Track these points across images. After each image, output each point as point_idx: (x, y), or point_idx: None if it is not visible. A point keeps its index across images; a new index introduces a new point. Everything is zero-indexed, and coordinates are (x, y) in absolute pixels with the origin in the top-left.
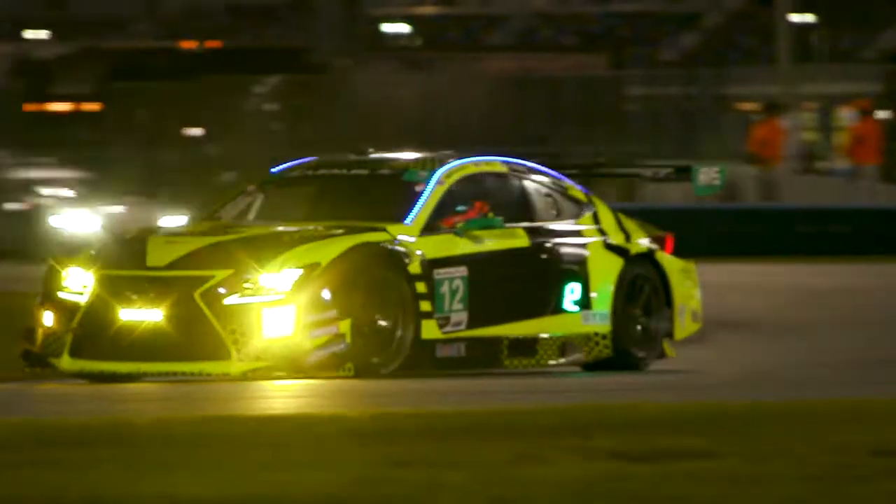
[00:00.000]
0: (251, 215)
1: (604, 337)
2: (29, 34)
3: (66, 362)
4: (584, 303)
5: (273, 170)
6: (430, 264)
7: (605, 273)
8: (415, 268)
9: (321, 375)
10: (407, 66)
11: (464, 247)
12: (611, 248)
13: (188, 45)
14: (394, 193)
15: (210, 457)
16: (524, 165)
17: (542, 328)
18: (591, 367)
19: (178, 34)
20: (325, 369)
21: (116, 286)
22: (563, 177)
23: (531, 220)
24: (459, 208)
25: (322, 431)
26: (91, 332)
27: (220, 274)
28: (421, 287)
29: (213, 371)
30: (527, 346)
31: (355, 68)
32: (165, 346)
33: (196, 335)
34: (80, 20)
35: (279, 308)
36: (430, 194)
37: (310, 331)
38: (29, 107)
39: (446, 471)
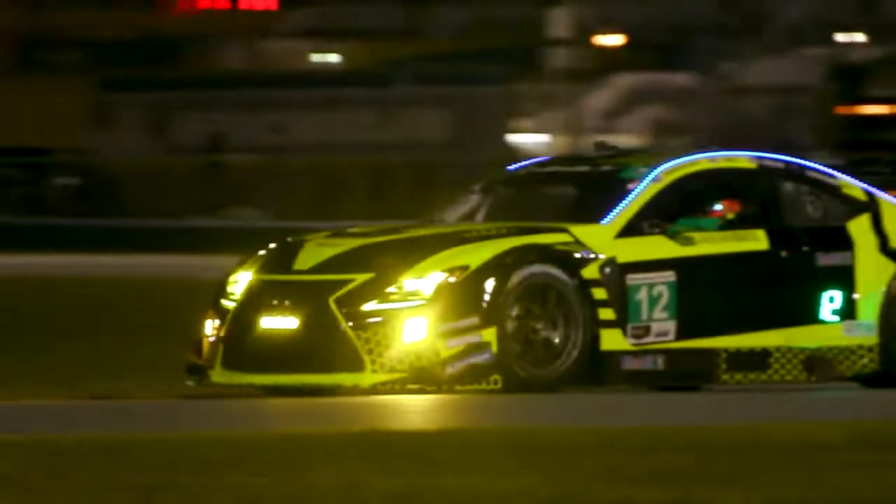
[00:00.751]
0: (479, 216)
1: (870, 349)
2: (841, 37)
3: (216, 374)
4: (847, 312)
5: (508, 168)
6: (623, 268)
7: (875, 279)
8: (591, 272)
9: (462, 389)
10: None
11: (672, 250)
12: (888, 251)
13: None
14: (604, 191)
15: None
16: (782, 161)
17: (784, 339)
18: (868, 381)
19: None
20: (465, 382)
21: (261, 291)
22: (838, 174)
23: (780, 220)
24: (717, 207)
25: None
26: (237, 341)
27: (360, 278)
28: (600, 293)
29: (346, 383)
30: (755, 360)
31: None
32: (301, 356)
33: (330, 344)
34: (893, 22)
35: (418, 315)
36: (639, 193)
37: (447, 340)
38: (842, 109)
39: None
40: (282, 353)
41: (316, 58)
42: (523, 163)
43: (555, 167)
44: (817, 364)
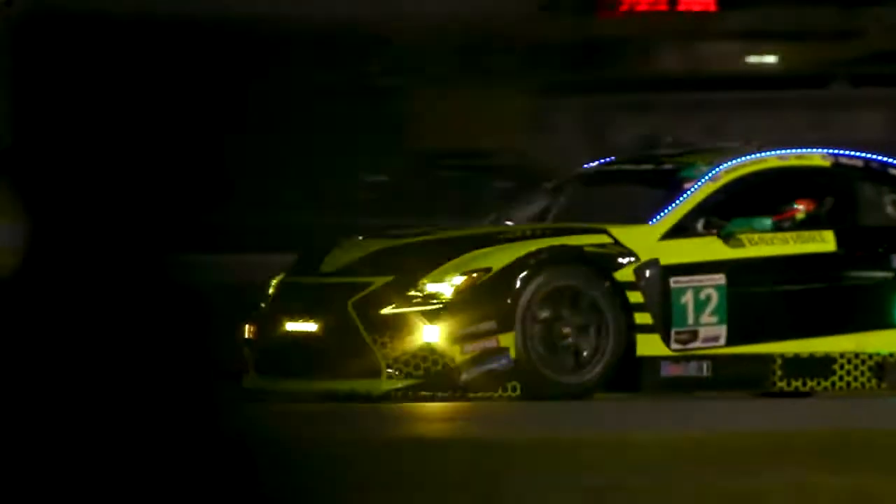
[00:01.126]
0: (549, 216)
1: None
2: None
3: (248, 379)
4: None
5: (584, 166)
6: (666, 271)
7: None
8: (625, 275)
9: (477, 396)
10: None
11: (723, 252)
12: None
13: None
14: (659, 190)
15: None
16: (861, 159)
17: (855, 344)
18: None
19: None
20: (481, 388)
21: (286, 294)
22: None
23: (854, 220)
24: (797, 206)
25: None
26: (267, 345)
27: (379, 281)
28: (635, 297)
29: (360, 389)
30: (817, 366)
31: None
32: (320, 361)
33: (347, 349)
34: None
35: (435, 319)
36: (692, 192)
37: (462, 345)
38: None
39: None
40: (304, 358)
41: (752, 59)
42: (596, 161)
43: (622, 166)
44: (889, 370)
